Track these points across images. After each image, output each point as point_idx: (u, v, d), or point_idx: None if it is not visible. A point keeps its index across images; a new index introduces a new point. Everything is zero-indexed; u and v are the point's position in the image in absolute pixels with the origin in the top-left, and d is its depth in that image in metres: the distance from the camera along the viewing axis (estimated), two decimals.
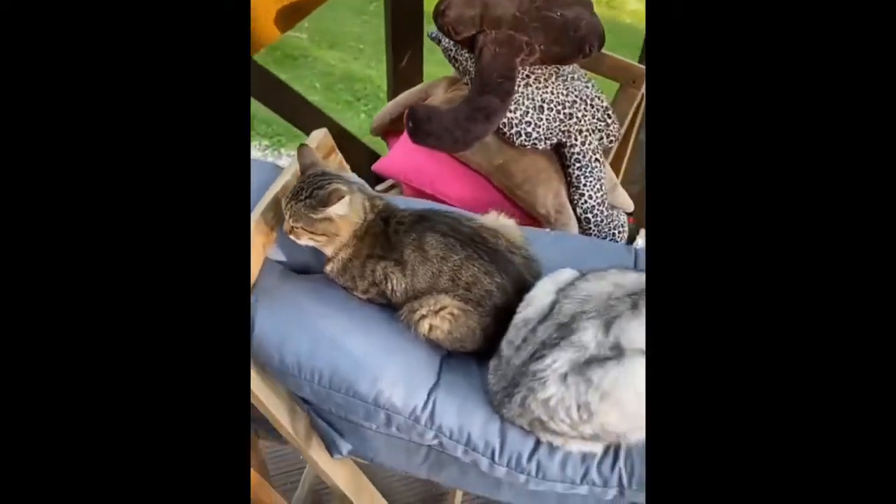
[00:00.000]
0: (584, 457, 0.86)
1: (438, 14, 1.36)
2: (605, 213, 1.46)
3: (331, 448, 1.00)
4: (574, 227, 1.47)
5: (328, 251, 0.98)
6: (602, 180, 1.48)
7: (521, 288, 0.93)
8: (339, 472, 1.10)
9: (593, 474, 0.86)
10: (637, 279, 0.85)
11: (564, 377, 0.80)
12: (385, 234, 0.98)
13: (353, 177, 1.06)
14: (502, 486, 0.95)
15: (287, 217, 0.95)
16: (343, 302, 1.00)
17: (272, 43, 1.63)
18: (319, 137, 1.23)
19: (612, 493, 0.86)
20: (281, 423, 0.98)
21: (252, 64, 1.68)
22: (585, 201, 1.45)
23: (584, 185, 1.44)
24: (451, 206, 1.53)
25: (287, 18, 1.62)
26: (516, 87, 1.40)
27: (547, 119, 1.40)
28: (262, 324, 0.92)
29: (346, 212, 0.95)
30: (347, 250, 0.98)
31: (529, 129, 1.40)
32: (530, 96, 1.40)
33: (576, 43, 1.36)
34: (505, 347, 0.87)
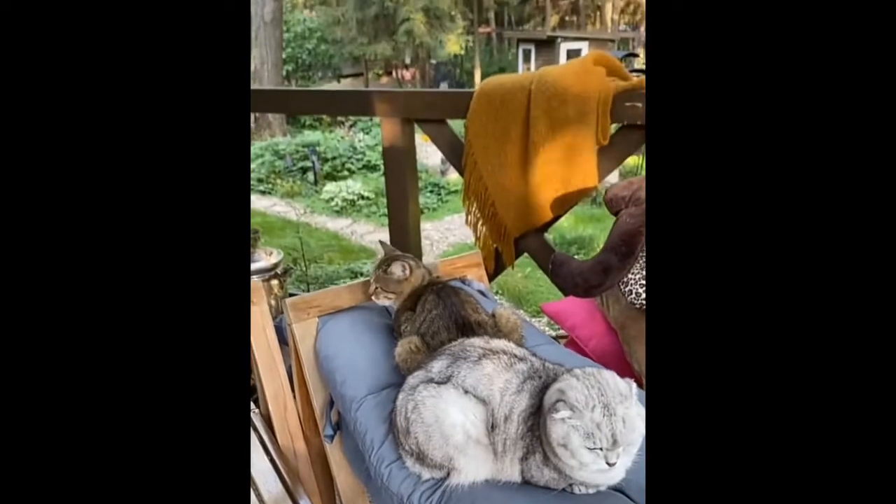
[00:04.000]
0: (417, 480, 0.98)
1: (605, 193, 1.65)
2: None
3: (324, 430, 1.34)
4: None
5: (396, 305, 1.37)
6: None
7: None
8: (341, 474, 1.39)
9: (415, 497, 0.97)
10: (503, 345, 0.98)
11: (407, 388, 0.99)
12: (419, 296, 1.32)
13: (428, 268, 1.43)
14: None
15: (372, 284, 1.39)
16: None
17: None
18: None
19: None
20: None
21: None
22: None
23: None
24: (585, 353, 1.70)
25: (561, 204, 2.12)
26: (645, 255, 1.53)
27: None
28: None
29: (401, 274, 1.34)
30: (399, 303, 1.36)
31: (639, 290, 1.50)
32: None
33: None
34: None
